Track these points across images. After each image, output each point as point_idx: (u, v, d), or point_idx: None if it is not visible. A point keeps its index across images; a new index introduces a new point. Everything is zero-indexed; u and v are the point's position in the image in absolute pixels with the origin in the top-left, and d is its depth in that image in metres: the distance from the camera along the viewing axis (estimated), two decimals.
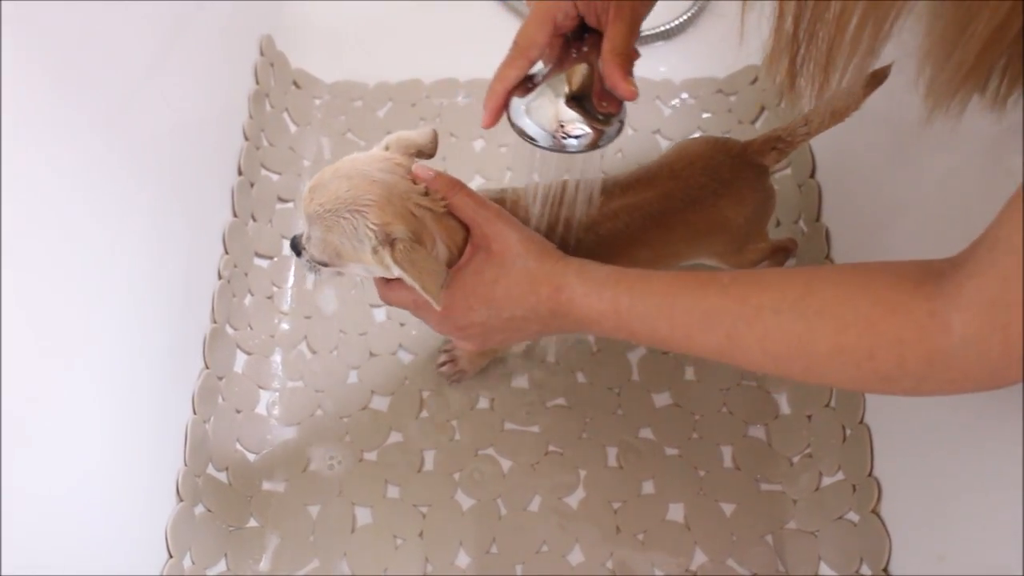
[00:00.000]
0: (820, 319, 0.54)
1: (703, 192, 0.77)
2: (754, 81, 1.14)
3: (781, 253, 0.92)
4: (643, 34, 1.18)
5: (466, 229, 0.69)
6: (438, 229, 0.67)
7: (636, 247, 0.76)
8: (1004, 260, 0.45)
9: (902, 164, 0.85)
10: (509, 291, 0.66)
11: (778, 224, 1.02)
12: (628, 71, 0.66)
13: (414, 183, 0.67)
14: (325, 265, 0.69)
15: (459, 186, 0.68)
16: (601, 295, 0.63)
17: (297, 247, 0.70)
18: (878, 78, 0.70)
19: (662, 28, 1.18)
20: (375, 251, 0.64)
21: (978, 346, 0.47)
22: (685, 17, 1.19)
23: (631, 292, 0.62)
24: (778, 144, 0.78)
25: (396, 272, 0.64)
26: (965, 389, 0.51)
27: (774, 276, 0.59)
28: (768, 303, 0.56)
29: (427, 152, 0.71)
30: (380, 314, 1.00)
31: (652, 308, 0.61)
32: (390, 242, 0.64)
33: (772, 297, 0.56)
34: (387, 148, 0.70)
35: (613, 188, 0.76)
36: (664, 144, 1.12)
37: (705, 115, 1.13)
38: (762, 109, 1.12)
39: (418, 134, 0.71)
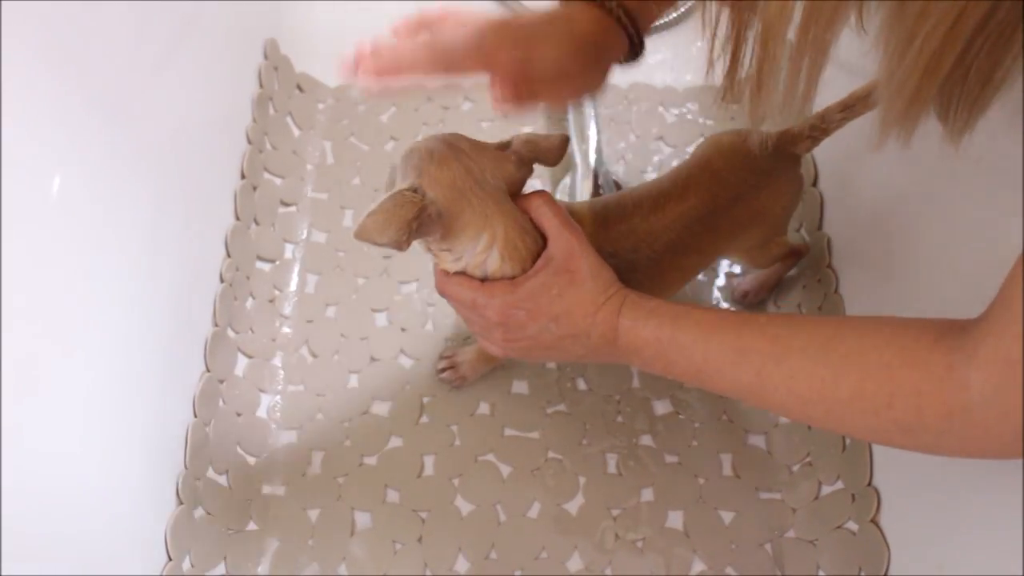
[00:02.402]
0: (844, 364, 0.55)
1: (745, 187, 0.77)
2: None
3: (794, 256, 0.93)
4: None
5: (536, 252, 0.68)
6: (504, 238, 0.66)
7: (685, 255, 0.77)
8: (1020, 322, 0.46)
9: (905, 174, 0.85)
10: (570, 309, 0.67)
11: None
12: None
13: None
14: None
15: (547, 196, 0.68)
16: (647, 323, 0.65)
17: None
18: None
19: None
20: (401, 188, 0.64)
21: (999, 406, 0.47)
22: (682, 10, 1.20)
23: (673, 323, 0.64)
24: (813, 132, 0.78)
25: (383, 197, 0.63)
26: (991, 451, 0.51)
27: (808, 320, 0.61)
28: (798, 345, 0.57)
29: (548, 161, 0.71)
30: (381, 319, 1.00)
31: (690, 340, 0.63)
32: (414, 192, 0.63)
33: (803, 339, 0.58)
34: (507, 145, 0.70)
35: (665, 199, 0.76)
36: (667, 151, 1.12)
37: (708, 122, 1.14)
38: (763, 118, 1.12)
39: (545, 138, 0.70)
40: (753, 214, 0.79)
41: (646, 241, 0.75)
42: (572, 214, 0.74)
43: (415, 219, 0.62)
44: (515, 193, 0.69)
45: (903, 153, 0.84)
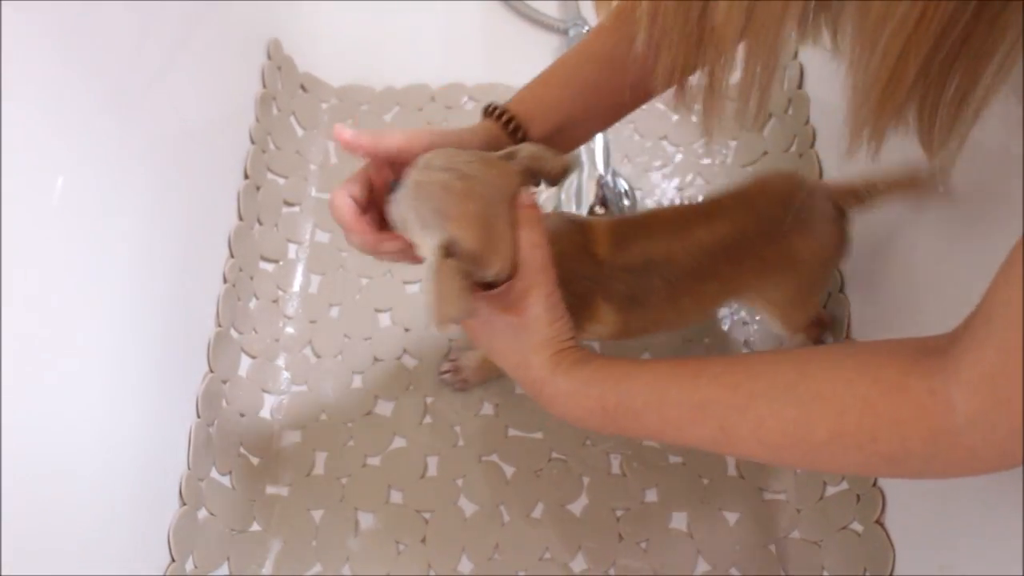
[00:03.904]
0: (816, 403, 0.52)
1: (777, 226, 0.74)
2: None
3: (817, 328, 0.90)
4: None
5: None
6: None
7: (702, 281, 0.74)
8: (1001, 332, 0.44)
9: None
10: (505, 355, 0.66)
11: None
12: None
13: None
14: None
15: (539, 225, 0.64)
16: (588, 394, 0.61)
17: (394, 188, 0.67)
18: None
19: None
20: (433, 250, 0.62)
21: (983, 423, 0.45)
22: None
23: (617, 389, 0.60)
24: (859, 193, 0.76)
25: (425, 272, 0.62)
26: (976, 469, 0.48)
27: (766, 362, 0.57)
28: (761, 390, 0.54)
29: (551, 180, 0.69)
30: (385, 319, 1.00)
31: (641, 404, 0.59)
32: (448, 252, 0.61)
33: (765, 384, 0.54)
34: (512, 156, 0.67)
35: (692, 222, 0.74)
36: (670, 150, 1.12)
37: None
38: (769, 116, 1.12)
39: (554, 158, 0.68)
40: (783, 258, 0.76)
41: (663, 264, 0.73)
42: (591, 228, 0.73)
43: (463, 279, 0.60)
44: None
45: (910, 156, 0.84)
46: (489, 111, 0.72)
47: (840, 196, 0.77)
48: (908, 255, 0.83)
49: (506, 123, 0.71)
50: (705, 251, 0.73)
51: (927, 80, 0.45)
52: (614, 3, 0.57)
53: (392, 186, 0.68)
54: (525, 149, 0.68)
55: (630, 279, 0.72)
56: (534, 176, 0.68)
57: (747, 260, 0.75)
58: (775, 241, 0.75)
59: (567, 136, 0.73)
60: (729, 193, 0.77)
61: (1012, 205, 0.65)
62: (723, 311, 0.98)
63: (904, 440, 0.48)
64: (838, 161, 0.98)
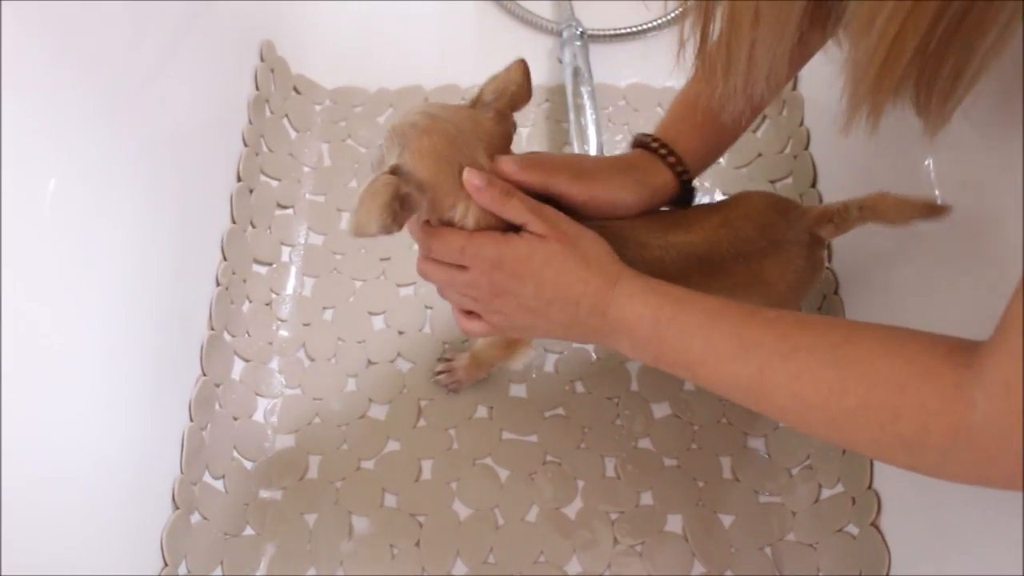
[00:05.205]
0: (853, 369, 0.52)
1: (750, 247, 0.74)
2: None
3: None
4: (642, 28, 1.19)
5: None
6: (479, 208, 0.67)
7: (677, 282, 0.74)
8: (1015, 339, 0.45)
9: (906, 175, 0.85)
10: (560, 274, 0.64)
11: None
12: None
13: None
14: None
15: (514, 192, 0.66)
16: (647, 299, 0.62)
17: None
18: (934, 211, 0.71)
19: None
20: (385, 169, 0.64)
21: (999, 427, 0.45)
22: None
23: (676, 303, 0.61)
24: (834, 218, 0.76)
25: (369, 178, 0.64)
26: (992, 477, 0.48)
27: (818, 320, 0.59)
28: (806, 344, 0.55)
29: (521, 100, 0.70)
30: (379, 322, 0.99)
31: (692, 324, 0.60)
32: (395, 173, 0.63)
33: (811, 339, 0.55)
34: (476, 104, 0.70)
35: (671, 225, 0.75)
36: None
37: None
38: (763, 118, 1.12)
39: (506, 75, 0.70)
40: (753, 278, 0.76)
41: (633, 244, 0.73)
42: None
43: (394, 200, 0.61)
44: (504, 148, 0.69)
45: (903, 157, 0.84)
46: (640, 141, 0.79)
47: (816, 223, 0.77)
48: (903, 259, 0.83)
49: (657, 150, 0.77)
50: (678, 252, 0.73)
51: (924, 57, 0.46)
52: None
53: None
54: (486, 93, 0.70)
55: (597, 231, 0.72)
56: (509, 110, 0.70)
57: (717, 274, 0.75)
58: (747, 262, 0.75)
59: (712, 151, 0.80)
60: (710, 208, 0.78)
61: (1008, 211, 0.65)
62: None
63: (925, 427, 0.49)
64: (832, 162, 0.99)
